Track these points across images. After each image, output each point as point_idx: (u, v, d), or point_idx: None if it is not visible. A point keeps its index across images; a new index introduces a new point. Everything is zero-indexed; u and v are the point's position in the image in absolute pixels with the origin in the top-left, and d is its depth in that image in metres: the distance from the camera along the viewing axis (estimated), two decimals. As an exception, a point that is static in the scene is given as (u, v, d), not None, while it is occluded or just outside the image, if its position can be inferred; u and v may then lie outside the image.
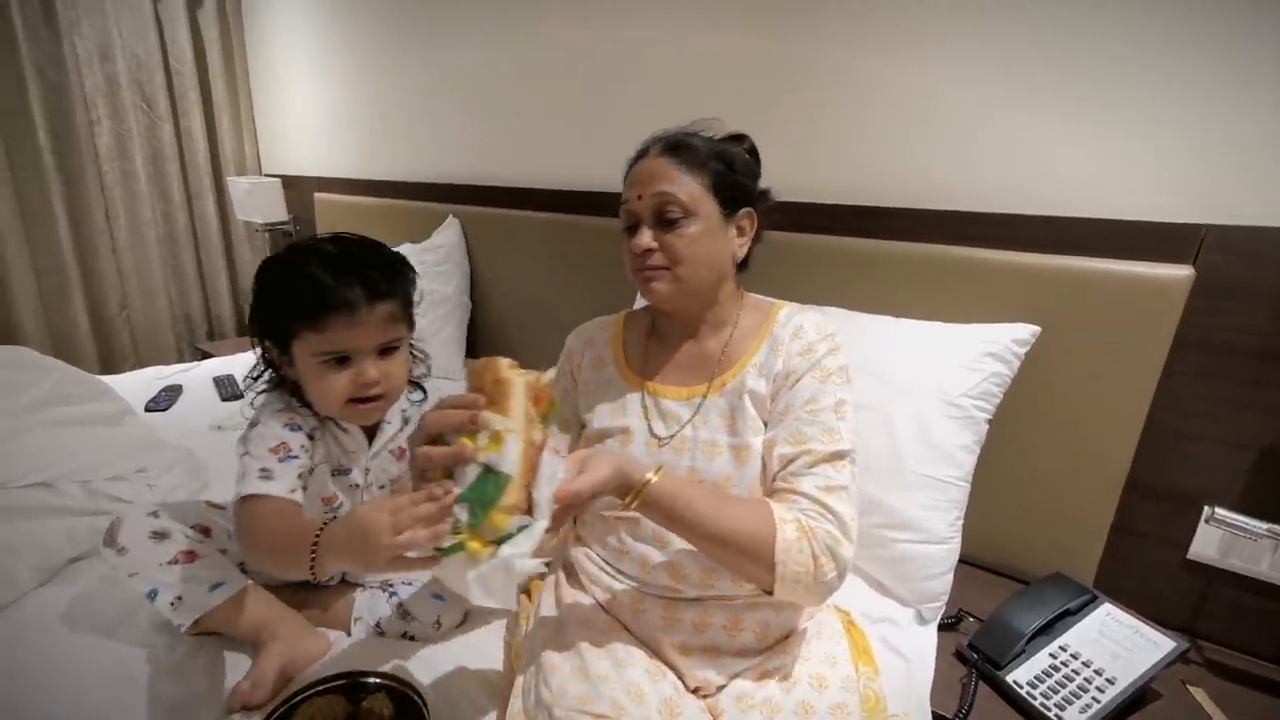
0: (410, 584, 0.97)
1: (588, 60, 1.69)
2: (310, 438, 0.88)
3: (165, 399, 1.73)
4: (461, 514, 0.56)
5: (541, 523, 0.57)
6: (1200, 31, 0.95)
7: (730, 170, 0.79)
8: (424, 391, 1.01)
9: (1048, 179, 1.10)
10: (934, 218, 1.21)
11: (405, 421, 0.97)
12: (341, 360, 0.80)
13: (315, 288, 0.77)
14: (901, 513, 1.00)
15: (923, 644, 0.95)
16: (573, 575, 0.87)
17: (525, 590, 0.91)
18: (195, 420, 1.62)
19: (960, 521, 1.02)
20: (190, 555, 0.87)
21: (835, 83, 1.29)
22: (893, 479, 1.01)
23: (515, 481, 0.56)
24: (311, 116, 2.60)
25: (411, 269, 0.88)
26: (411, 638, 0.92)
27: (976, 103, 1.14)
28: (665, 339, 0.87)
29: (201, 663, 0.86)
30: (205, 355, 2.52)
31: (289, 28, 2.56)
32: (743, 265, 0.85)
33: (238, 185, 2.59)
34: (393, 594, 0.96)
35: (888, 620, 0.97)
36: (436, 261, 1.98)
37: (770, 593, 0.69)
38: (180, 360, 2.66)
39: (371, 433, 0.95)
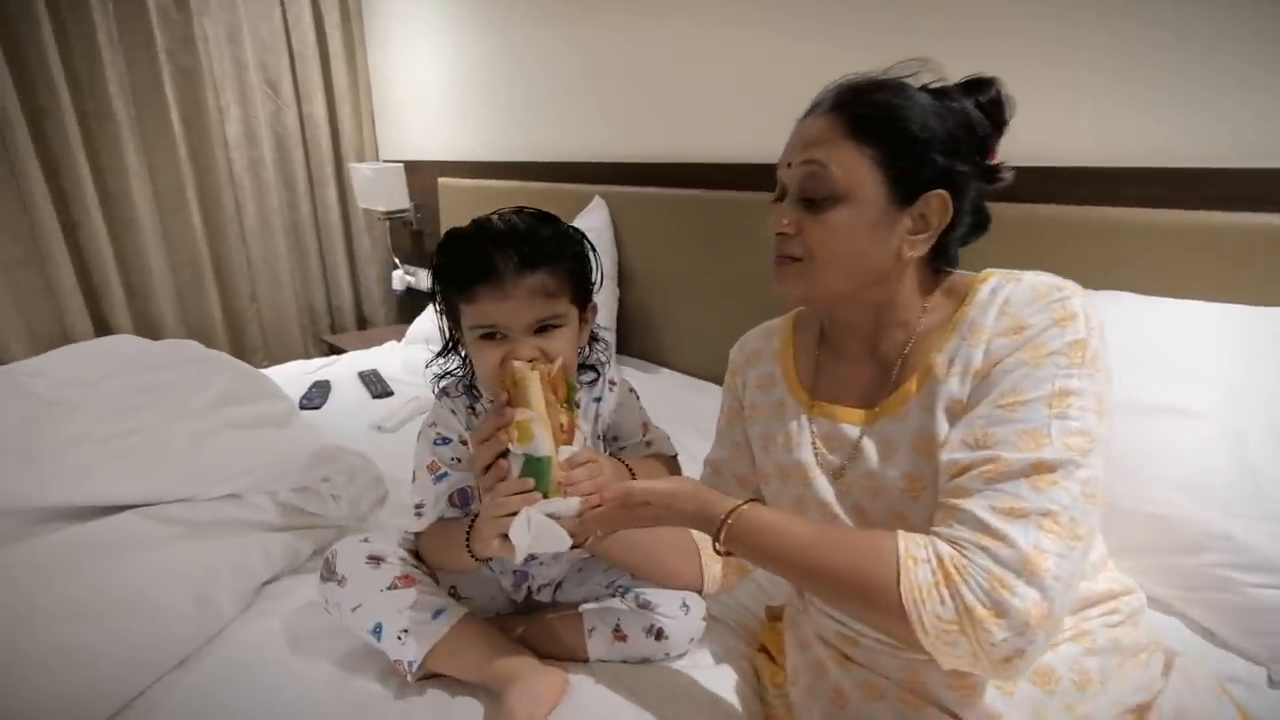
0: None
1: (739, 21, 1.46)
2: (463, 442, 0.83)
3: (318, 396, 1.64)
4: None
5: (573, 501, 0.65)
6: None
7: (915, 139, 0.58)
8: (597, 373, 0.89)
9: None
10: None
11: (576, 405, 0.85)
12: (498, 336, 0.75)
13: (464, 256, 0.75)
14: (1256, 550, 0.78)
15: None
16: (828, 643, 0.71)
17: (762, 647, 0.83)
18: (352, 420, 1.55)
19: None
20: (408, 580, 0.80)
21: None
22: (1244, 506, 0.80)
23: (555, 459, 0.66)
24: (433, 98, 2.46)
25: (582, 245, 0.81)
26: (660, 632, 0.79)
27: None
28: (837, 345, 0.72)
29: (432, 713, 0.73)
30: (331, 348, 2.44)
31: (408, 1, 2.43)
32: (940, 254, 0.65)
33: (360, 172, 2.49)
34: (622, 590, 0.83)
35: (1228, 677, 0.77)
36: (584, 247, 1.80)
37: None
38: (305, 353, 2.61)
39: None
